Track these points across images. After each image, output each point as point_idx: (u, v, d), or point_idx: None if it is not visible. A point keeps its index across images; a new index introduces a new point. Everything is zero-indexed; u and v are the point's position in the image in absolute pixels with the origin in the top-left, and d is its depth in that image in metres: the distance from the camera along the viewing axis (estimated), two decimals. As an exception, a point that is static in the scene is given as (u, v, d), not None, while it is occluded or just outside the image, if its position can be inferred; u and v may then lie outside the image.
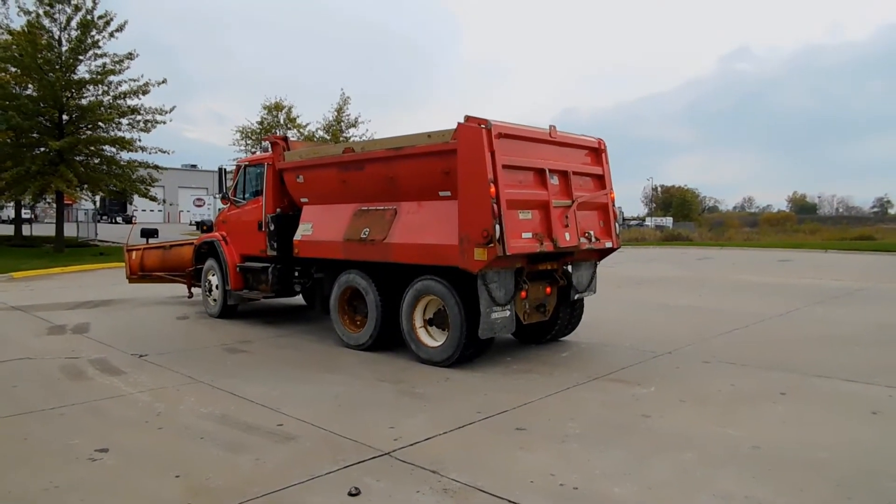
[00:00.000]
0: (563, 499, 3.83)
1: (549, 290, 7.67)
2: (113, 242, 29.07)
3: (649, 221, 78.44)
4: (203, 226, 11.72)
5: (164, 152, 24.42)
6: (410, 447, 4.67)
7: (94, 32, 22.68)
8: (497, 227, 6.30)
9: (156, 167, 24.55)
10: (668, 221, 76.58)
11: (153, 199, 25.13)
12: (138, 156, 24.52)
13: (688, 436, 4.91)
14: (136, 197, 26.13)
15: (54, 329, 9.50)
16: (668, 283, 15.69)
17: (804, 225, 60.69)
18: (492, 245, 6.33)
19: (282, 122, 36.13)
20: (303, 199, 8.90)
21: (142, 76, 23.15)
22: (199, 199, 54.50)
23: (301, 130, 34.86)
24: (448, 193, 6.87)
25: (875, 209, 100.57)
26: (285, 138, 9.49)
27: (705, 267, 20.63)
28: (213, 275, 10.53)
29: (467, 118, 6.48)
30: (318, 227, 8.52)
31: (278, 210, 9.34)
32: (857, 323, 9.92)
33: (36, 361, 7.51)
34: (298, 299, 11.12)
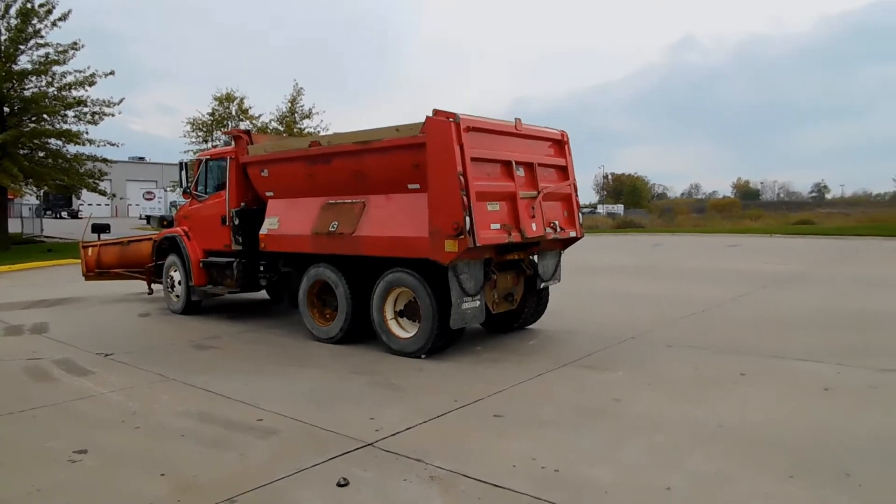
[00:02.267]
0: (544, 481, 4.00)
1: (516, 279, 7.86)
2: (61, 238, 28.13)
3: (601, 209, 80.00)
4: (163, 221, 11.48)
5: (113, 145, 23.80)
6: (392, 437, 4.77)
7: (35, 21, 21.83)
8: (467, 218, 6.42)
9: (104, 160, 23.82)
10: (619, 209, 78.28)
11: (102, 193, 24.43)
12: (85, 149, 23.75)
13: (657, 418, 5.15)
14: (83, 192, 25.24)
15: (11, 329, 9.23)
16: (624, 271, 16.12)
17: (749, 211, 62.83)
18: (462, 237, 6.46)
19: (234, 113, 35.42)
20: (268, 193, 8.85)
21: (88, 67, 22.43)
22: (148, 193, 53.03)
23: (254, 122, 34.25)
24: (417, 186, 6.96)
25: (813, 194, 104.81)
26: (248, 132, 9.39)
27: (659, 254, 21.23)
28: (175, 270, 10.37)
29: (436, 112, 6.56)
30: (285, 221, 8.49)
31: (242, 204, 9.25)
32: (802, 306, 10.42)
33: (-5, 363, 7.31)
34: (262, 294, 11.06)
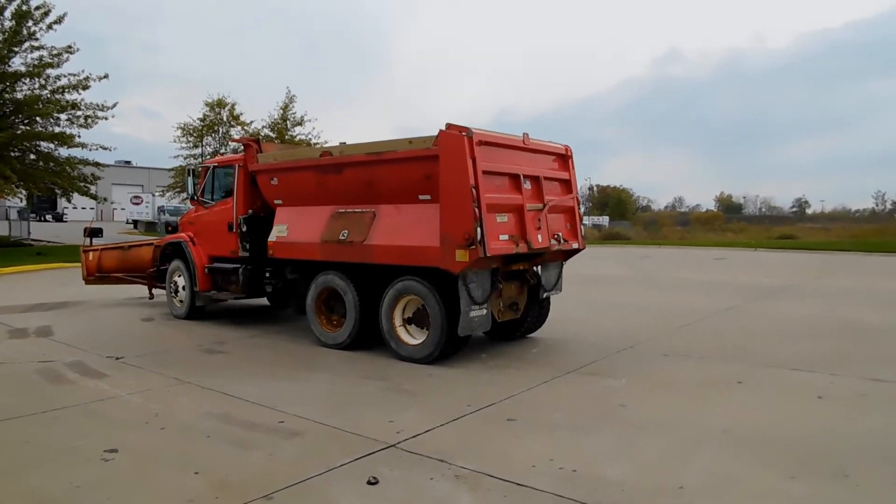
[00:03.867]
0: (564, 480, 4.22)
1: (520, 289, 8.10)
2: (48, 242, 27.94)
3: (587, 220, 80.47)
4: (168, 226, 11.58)
5: (106, 149, 23.77)
6: (413, 439, 4.97)
7: (30, 23, 21.84)
8: (478, 229, 6.66)
9: (97, 164, 23.80)
10: (604, 220, 78.96)
11: (94, 197, 24.35)
12: (77, 152, 23.75)
13: (663, 422, 5.40)
14: (73, 195, 25.12)
15: (15, 332, 9.29)
16: (616, 281, 16.44)
17: (732, 224, 63.85)
18: (473, 247, 6.69)
19: (225, 119, 35.56)
20: (276, 201, 9.02)
21: (82, 71, 22.46)
22: (136, 197, 52.71)
23: (245, 128, 34.37)
24: (428, 197, 7.18)
25: (794, 209, 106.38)
26: (257, 140, 9.56)
27: (648, 265, 21.62)
28: (180, 276, 10.49)
29: (449, 126, 6.81)
30: (294, 228, 8.67)
31: (250, 211, 9.42)
32: (791, 317, 10.77)
33: (7, 366, 7.40)
34: (262, 300, 11.20)
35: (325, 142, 31.35)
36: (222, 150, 35.45)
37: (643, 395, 6.20)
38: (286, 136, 32.97)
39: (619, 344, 8.44)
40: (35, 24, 21.83)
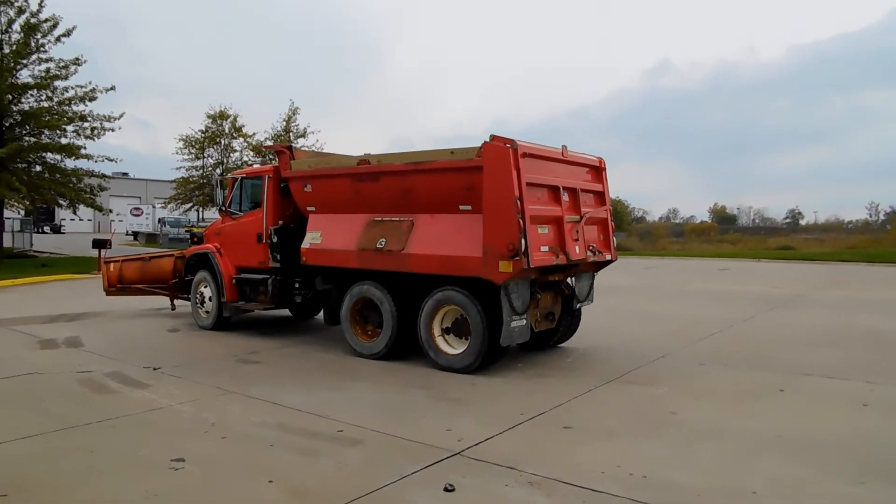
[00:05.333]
0: (636, 486, 4.29)
1: (555, 299, 8.19)
2: (51, 253, 27.84)
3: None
4: (193, 237, 11.60)
5: (111, 160, 23.74)
6: (476, 447, 5.03)
7: (38, 36, 21.89)
8: (523, 241, 6.74)
9: (103, 176, 23.79)
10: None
11: (99, 208, 24.31)
12: (83, 163, 23.73)
13: (716, 428, 5.48)
14: (76, 206, 25.02)
15: (45, 343, 9.28)
16: (628, 291, 16.54)
17: (727, 235, 64.33)
18: (517, 258, 6.77)
19: (227, 130, 35.64)
20: (309, 208, 9.04)
21: (90, 82, 22.48)
22: (136, 209, 52.57)
23: (248, 140, 34.47)
24: (469, 207, 7.26)
25: (787, 220, 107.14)
26: (290, 147, 9.56)
27: (654, 276, 21.74)
28: (206, 286, 10.51)
29: (493, 137, 6.90)
30: (328, 235, 8.68)
31: (280, 222, 9.47)
32: (811, 326, 10.91)
33: (47, 376, 7.39)
34: (285, 311, 11.25)
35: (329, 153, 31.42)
36: (228, 162, 35.65)
37: (690, 402, 6.28)
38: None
39: (650, 353, 8.52)
40: (43, 36, 21.88)
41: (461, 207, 7.34)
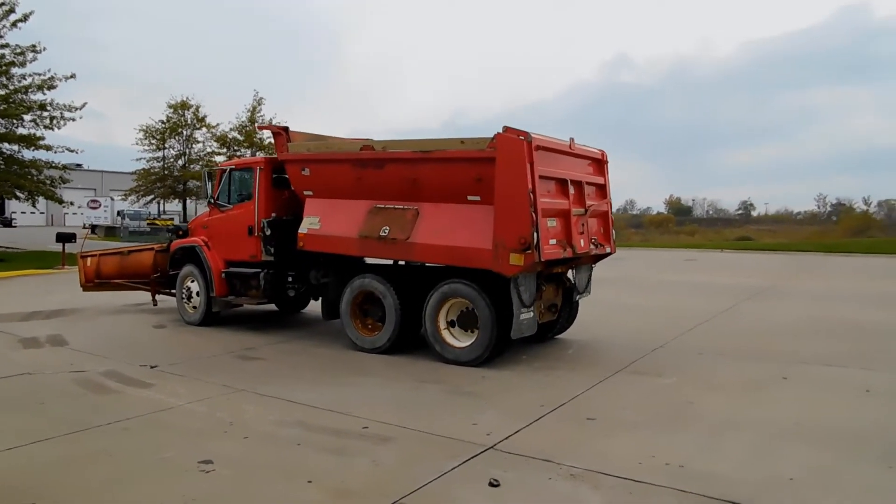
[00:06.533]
0: (676, 476, 4.34)
1: (557, 291, 8.23)
2: (6, 248, 26.72)
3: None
4: (178, 230, 11.26)
5: (73, 151, 22.90)
6: (506, 440, 5.01)
7: (-8, 20, 20.92)
8: (535, 234, 6.74)
9: (63, 167, 22.92)
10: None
11: (60, 201, 23.43)
12: (40, 154, 22.83)
13: (735, 418, 5.59)
14: (35, 198, 24.08)
15: (28, 342, 8.89)
16: (605, 283, 16.61)
17: (684, 227, 65.85)
18: (529, 251, 6.76)
19: (189, 121, 34.71)
20: (306, 192, 8.78)
21: (48, 70, 21.59)
22: (94, 201, 50.67)
23: (212, 130, 33.66)
24: (478, 198, 7.20)
25: (740, 212, 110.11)
26: (286, 128, 9.13)
27: (626, 267, 21.97)
28: (193, 281, 10.22)
29: (506, 129, 6.86)
30: (327, 221, 8.45)
31: (273, 215, 9.27)
32: (793, 316, 11.24)
33: (39, 377, 7.09)
34: (269, 306, 11.04)
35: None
36: (190, 153, 34.77)
37: (701, 392, 6.39)
38: (255, 139, 32.40)
39: (647, 344, 8.63)
40: (-3, 21, 20.92)
41: (469, 198, 7.28)
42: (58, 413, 5.78)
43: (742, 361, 7.77)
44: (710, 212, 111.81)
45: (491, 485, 4.20)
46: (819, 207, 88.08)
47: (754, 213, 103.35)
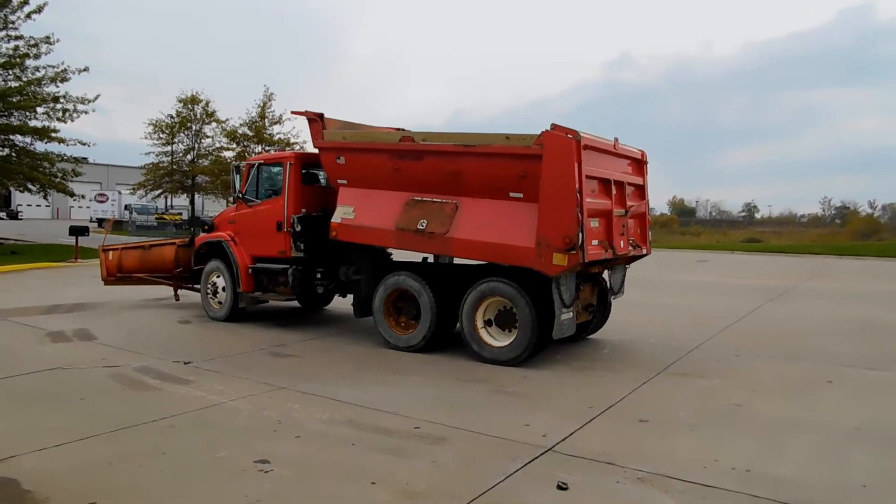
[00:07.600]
0: (745, 480, 4.26)
1: (593, 291, 8.16)
2: (17, 240, 26.64)
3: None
4: (204, 225, 11.18)
5: (84, 144, 22.83)
6: (563, 442, 4.94)
7: (6, 11, 20.81)
8: (580, 234, 6.65)
9: (76, 160, 22.84)
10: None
11: (71, 194, 23.34)
12: (52, 147, 22.75)
13: (790, 421, 5.52)
14: (46, 191, 24.00)
15: (55, 336, 8.81)
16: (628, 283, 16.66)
17: (689, 228, 65.77)
18: (573, 251, 6.67)
19: (198, 115, 34.61)
20: (340, 181, 8.65)
21: (62, 63, 21.50)
22: (101, 195, 50.53)
23: (222, 125, 33.55)
24: (520, 195, 7.10)
25: (743, 213, 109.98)
26: (321, 115, 8.90)
27: (639, 267, 21.92)
28: (219, 276, 10.14)
29: (554, 126, 6.76)
30: (362, 211, 8.32)
31: (303, 210, 9.18)
32: (817, 317, 11.19)
33: (73, 372, 7.01)
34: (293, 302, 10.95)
35: (305, 141, 30.88)
36: (200, 148, 34.68)
37: (748, 394, 6.31)
38: (264, 135, 32.32)
39: (683, 345, 8.56)
40: (13, 12, 20.82)
41: (511, 194, 7.18)
42: (98, 409, 5.70)
43: (781, 363, 7.69)
44: (714, 213, 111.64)
45: (559, 488, 4.12)
46: (824, 210, 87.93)
47: (758, 215, 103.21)
